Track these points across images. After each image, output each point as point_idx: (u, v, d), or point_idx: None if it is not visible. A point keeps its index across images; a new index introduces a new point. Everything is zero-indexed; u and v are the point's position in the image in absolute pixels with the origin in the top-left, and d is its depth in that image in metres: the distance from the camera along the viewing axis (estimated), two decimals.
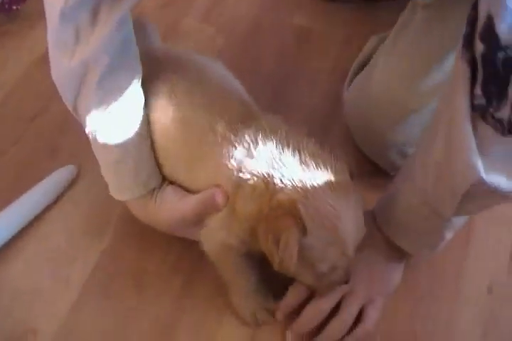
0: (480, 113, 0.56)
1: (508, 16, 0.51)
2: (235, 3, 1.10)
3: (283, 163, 0.62)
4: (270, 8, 1.11)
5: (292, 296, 0.72)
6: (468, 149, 0.58)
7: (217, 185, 0.65)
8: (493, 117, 0.56)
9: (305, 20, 1.09)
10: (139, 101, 0.70)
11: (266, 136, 0.64)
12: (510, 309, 0.77)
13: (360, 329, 0.70)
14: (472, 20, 0.54)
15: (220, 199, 0.64)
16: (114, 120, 0.68)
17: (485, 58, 0.54)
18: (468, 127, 0.57)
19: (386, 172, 0.85)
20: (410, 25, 0.82)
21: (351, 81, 0.90)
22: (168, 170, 0.72)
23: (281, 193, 0.60)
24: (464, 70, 0.56)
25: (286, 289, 0.72)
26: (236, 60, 0.98)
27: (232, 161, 0.63)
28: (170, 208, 0.70)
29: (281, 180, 0.61)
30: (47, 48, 0.94)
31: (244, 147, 0.63)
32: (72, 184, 0.81)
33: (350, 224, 0.61)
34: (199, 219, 0.68)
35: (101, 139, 0.69)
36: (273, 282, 0.72)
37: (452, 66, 0.61)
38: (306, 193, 0.60)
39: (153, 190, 0.71)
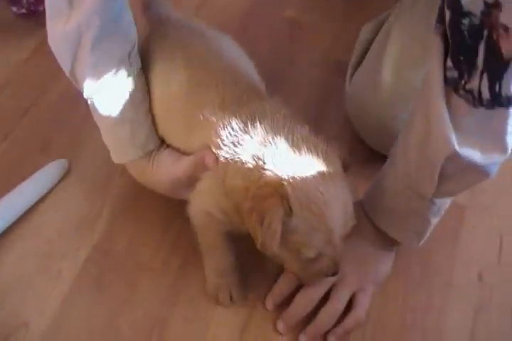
0: (453, 86, 0.57)
1: None
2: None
3: (275, 144, 0.62)
4: (261, 1, 1.11)
5: (282, 285, 0.72)
6: (442, 122, 0.59)
7: (208, 148, 0.65)
8: (464, 89, 0.57)
9: (296, 13, 1.09)
10: (133, 67, 0.71)
11: (264, 116, 0.64)
12: (500, 296, 0.78)
13: (351, 317, 0.71)
14: None
15: (209, 160, 0.65)
16: (109, 85, 0.70)
17: (451, 26, 0.55)
18: (442, 101, 0.58)
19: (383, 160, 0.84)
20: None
21: (352, 75, 0.89)
22: (165, 135, 0.73)
23: (270, 172, 0.60)
24: (438, 44, 0.57)
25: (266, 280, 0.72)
26: None
27: (228, 134, 0.64)
28: (165, 171, 0.72)
29: (271, 160, 0.61)
30: (36, 44, 0.96)
31: (242, 122, 0.64)
32: (63, 178, 0.81)
33: (337, 212, 0.61)
34: (192, 180, 0.69)
35: (97, 103, 0.71)
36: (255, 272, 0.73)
37: None
38: (296, 175, 0.60)
39: (152, 152, 0.73)
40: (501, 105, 0.57)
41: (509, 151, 0.62)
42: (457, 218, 0.84)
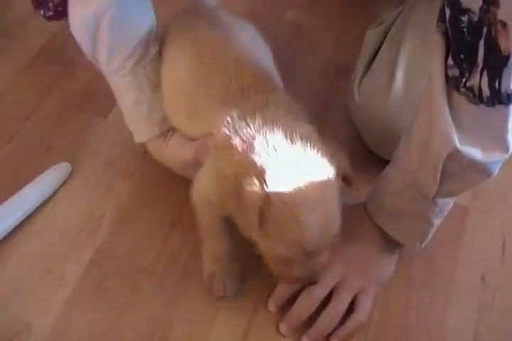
0: (454, 84, 0.58)
1: None
2: (227, 1, 1.10)
3: (270, 135, 0.61)
4: (263, 4, 1.11)
5: (284, 287, 0.73)
6: (443, 120, 0.59)
7: (210, 133, 0.67)
8: (465, 86, 0.57)
9: (297, 16, 1.09)
10: (151, 51, 0.74)
11: (266, 107, 0.64)
12: (503, 297, 0.77)
13: (353, 319, 0.71)
14: None
15: (209, 144, 0.67)
16: (127, 67, 0.73)
17: (451, 23, 0.55)
18: (443, 98, 0.59)
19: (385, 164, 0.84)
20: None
21: (360, 81, 0.87)
22: (172, 120, 0.75)
23: (258, 161, 0.59)
24: (439, 42, 0.58)
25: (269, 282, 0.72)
26: None
27: (227, 123, 0.64)
28: (176, 153, 0.75)
29: (261, 149, 0.60)
30: (38, 49, 0.97)
31: (242, 113, 0.64)
32: (66, 181, 0.82)
33: (315, 219, 0.58)
34: (198, 164, 0.70)
35: (117, 84, 0.76)
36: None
37: None
38: (283, 169, 0.59)
39: (168, 133, 0.76)
40: (501, 102, 0.57)
41: (510, 150, 0.62)
42: (460, 219, 0.84)
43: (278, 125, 0.62)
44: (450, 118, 0.59)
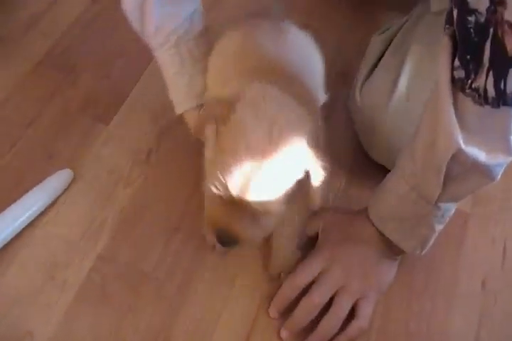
0: (459, 86, 0.58)
1: None
2: (230, 4, 1.11)
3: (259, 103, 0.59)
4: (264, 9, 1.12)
5: (285, 293, 0.73)
6: (448, 120, 0.59)
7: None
8: (470, 87, 0.57)
9: (301, 18, 1.09)
10: (195, 27, 0.77)
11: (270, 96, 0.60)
12: (504, 302, 0.78)
13: (354, 325, 0.71)
14: None
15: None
16: (171, 41, 0.76)
17: (458, 24, 0.55)
18: (448, 99, 0.59)
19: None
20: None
21: (362, 85, 0.88)
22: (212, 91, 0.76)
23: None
24: (446, 44, 0.58)
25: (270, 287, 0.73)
26: None
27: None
28: None
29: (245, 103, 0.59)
30: (40, 57, 0.97)
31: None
32: (68, 188, 0.82)
33: (248, 166, 0.55)
34: None
35: (162, 57, 0.78)
36: None
37: None
38: (254, 117, 0.57)
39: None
40: (506, 104, 0.57)
41: None
42: (460, 226, 0.84)
43: (272, 102, 0.59)
44: (455, 119, 0.59)
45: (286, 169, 0.57)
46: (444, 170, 0.63)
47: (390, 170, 0.75)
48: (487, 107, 0.57)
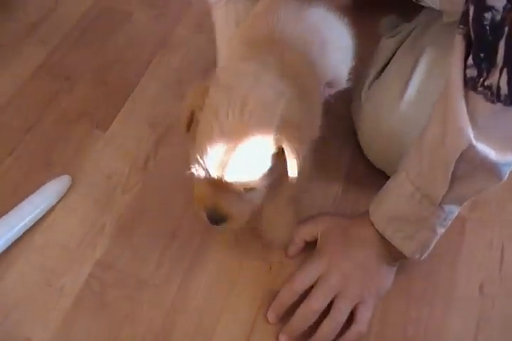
0: (471, 84, 0.58)
1: None
2: None
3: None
4: None
5: (284, 298, 0.73)
6: (459, 116, 0.59)
7: None
8: (483, 85, 0.57)
9: None
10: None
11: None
12: (502, 307, 0.78)
13: (352, 330, 0.71)
14: None
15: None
16: (223, 1, 0.79)
17: (474, 20, 0.55)
18: (460, 96, 0.59)
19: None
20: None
21: (369, 87, 0.86)
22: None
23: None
24: (460, 42, 0.58)
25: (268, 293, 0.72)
26: None
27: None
28: None
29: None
30: (39, 62, 0.97)
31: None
32: (66, 194, 0.82)
33: (221, 144, 0.58)
34: None
35: (214, 16, 0.81)
36: None
37: None
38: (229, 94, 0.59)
39: None
40: None
41: None
42: (458, 230, 0.84)
43: (244, 82, 0.60)
44: (466, 114, 0.59)
45: (259, 148, 0.59)
46: (452, 167, 0.63)
47: (387, 175, 0.75)
48: (499, 105, 0.57)
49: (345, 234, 0.76)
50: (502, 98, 0.57)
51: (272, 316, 0.74)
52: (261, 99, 0.59)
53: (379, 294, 0.75)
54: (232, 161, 0.58)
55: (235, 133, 0.57)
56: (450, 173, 0.63)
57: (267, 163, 0.60)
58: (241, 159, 0.58)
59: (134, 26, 1.05)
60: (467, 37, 0.57)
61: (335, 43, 0.73)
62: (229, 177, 0.59)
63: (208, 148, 0.58)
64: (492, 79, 0.56)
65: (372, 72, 0.87)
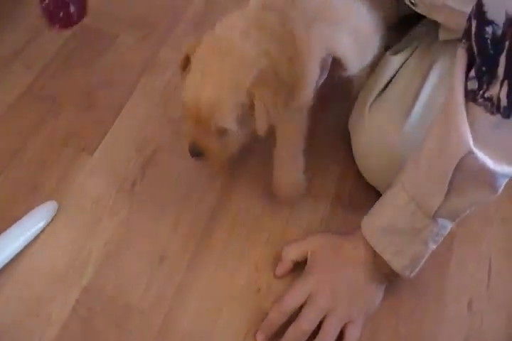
0: (471, 96, 0.60)
1: None
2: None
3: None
4: None
5: (274, 318, 0.73)
6: (460, 122, 0.60)
7: None
8: (483, 97, 0.59)
9: None
10: None
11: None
12: (491, 323, 0.78)
13: None
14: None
15: None
16: None
17: (476, 34, 0.57)
18: (461, 102, 0.60)
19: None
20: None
21: (371, 105, 0.85)
22: None
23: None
24: (462, 55, 0.60)
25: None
26: None
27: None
28: None
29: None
30: (24, 87, 0.98)
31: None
32: (52, 220, 0.82)
33: (198, 80, 0.66)
34: None
35: None
36: None
37: None
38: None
39: None
40: None
41: None
42: (446, 247, 0.84)
43: (231, 38, 0.67)
44: (467, 122, 0.60)
45: (230, 94, 0.66)
46: (449, 177, 0.63)
47: (379, 192, 0.75)
48: (498, 116, 0.59)
49: (335, 251, 0.76)
50: (501, 110, 0.58)
51: (261, 337, 0.73)
52: (243, 52, 0.66)
53: (368, 312, 0.75)
54: (204, 98, 0.66)
55: (212, 76, 0.66)
56: (447, 183, 0.64)
57: (236, 109, 0.67)
58: (212, 98, 0.66)
59: (120, 48, 1.06)
60: (469, 51, 0.59)
61: (349, 26, 0.75)
62: (202, 113, 0.67)
63: (188, 84, 0.67)
64: (492, 91, 0.58)
65: (375, 88, 0.86)
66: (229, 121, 0.67)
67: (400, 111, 0.81)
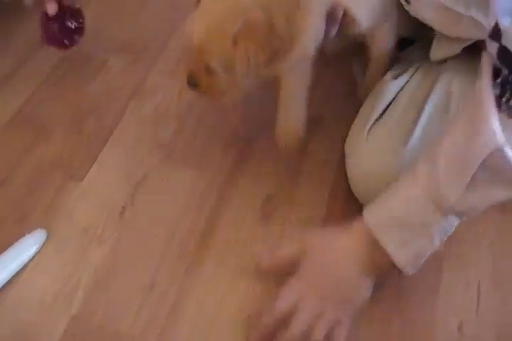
0: (495, 103, 0.61)
1: None
2: None
3: None
4: None
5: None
6: (492, 120, 0.61)
7: None
8: (507, 104, 0.60)
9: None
10: None
11: None
12: None
13: None
14: None
15: None
16: None
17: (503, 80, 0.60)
18: (491, 101, 0.61)
19: None
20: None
21: (370, 128, 0.85)
22: None
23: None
24: (487, 63, 0.62)
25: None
26: (207, 114, 1.00)
27: None
28: None
29: None
30: (13, 113, 0.98)
31: None
32: (41, 248, 0.81)
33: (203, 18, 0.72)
34: None
35: None
36: None
37: None
38: None
39: None
40: None
41: None
42: (436, 268, 0.84)
43: None
44: (498, 119, 0.61)
45: (218, 32, 0.71)
46: (474, 170, 0.63)
47: None
48: None
49: (330, 245, 0.75)
50: None
51: None
52: (237, 1, 0.70)
53: (355, 309, 0.75)
54: (196, 36, 0.72)
55: (206, 17, 0.72)
56: (469, 177, 0.64)
57: (222, 52, 0.72)
58: (201, 38, 0.72)
59: (109, 72, 1.06)
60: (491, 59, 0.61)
61: None
62: (194, 49, 0.73)
63: (190, 19, 0.73)
64: None
65: (374, 112, 0.86)
66: (215, 62, 0.73)
67: (399, 136, 0.82)
